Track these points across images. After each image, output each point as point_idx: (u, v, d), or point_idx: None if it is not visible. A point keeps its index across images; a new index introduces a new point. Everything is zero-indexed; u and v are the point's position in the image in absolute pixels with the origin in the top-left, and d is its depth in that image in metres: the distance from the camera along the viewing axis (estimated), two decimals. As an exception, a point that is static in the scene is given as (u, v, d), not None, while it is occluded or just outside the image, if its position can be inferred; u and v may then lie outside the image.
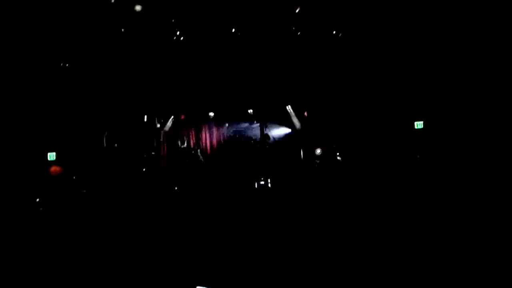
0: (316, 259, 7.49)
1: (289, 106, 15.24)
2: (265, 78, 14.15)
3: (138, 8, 12.02)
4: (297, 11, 12.61)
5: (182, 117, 15.69)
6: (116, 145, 13.59)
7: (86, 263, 7.89)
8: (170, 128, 15.60)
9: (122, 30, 12.50)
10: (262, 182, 13.59)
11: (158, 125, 15.29)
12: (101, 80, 13.33)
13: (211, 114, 15.62)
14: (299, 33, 13.22)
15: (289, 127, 16.12)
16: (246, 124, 16.59)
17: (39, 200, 11.29)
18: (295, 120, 15.35)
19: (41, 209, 10.99)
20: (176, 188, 13.73)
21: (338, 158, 14.15)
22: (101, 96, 13.38)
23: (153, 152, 14.69)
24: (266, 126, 15.49)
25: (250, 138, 15.91)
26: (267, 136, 15.24)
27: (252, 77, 14.14)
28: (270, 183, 13.73)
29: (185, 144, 16.00)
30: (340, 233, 8.51)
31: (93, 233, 9.48)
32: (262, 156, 15.10)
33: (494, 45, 10.99)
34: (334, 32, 13.15)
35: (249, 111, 15.35)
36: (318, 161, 14.28)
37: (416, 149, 12.32)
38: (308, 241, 8.35)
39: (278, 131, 16.34)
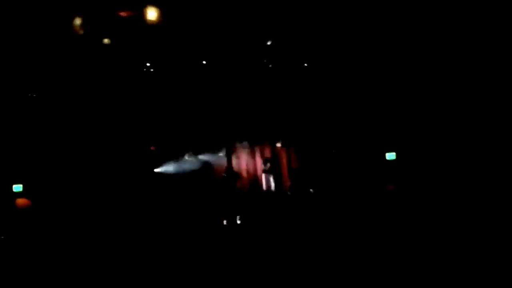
0: None
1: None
2: (235, 110, 14.12)
3: (106, 41, 11.96)
4: (268, 43, 12.72)
5: (152, 148, 15.47)
6: (83, 177, 13.26)
7: None
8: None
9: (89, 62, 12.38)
10: (230, 221, 13.40)
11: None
12: (67, 111, 13.09)
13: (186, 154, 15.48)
14: (270, 65, 13.30)
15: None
16: (214, 156, 16.42)
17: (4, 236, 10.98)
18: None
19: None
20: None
21: (310, 190, 14.10)
22: (67, 127, 13.13)
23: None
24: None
25: (218, 170, 15.67)
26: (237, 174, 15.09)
27: (221, 108, 14.09)
28: (240, 219, 13.54)
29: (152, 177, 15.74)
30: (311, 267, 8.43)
31: (61, 267, 9.24)
32: (230, 190, 14.90)
33: (463, 78, 11.24)
34: (305, 64, 13.28)
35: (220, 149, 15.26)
36: (289, 193, 14.21)
37: (388, 180, 12.37)
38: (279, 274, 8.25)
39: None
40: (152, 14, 11.76)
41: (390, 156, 12.49)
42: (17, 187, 12.04)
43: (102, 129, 13.54)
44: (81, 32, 11.57)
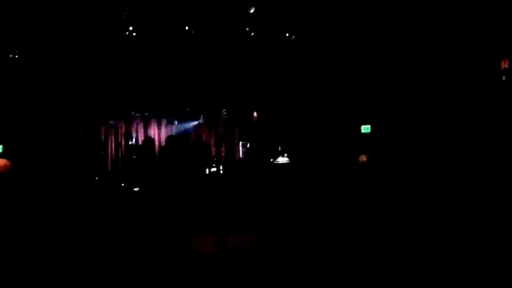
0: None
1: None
2: (216, 78, 14.22)
3: None
4: (251, 11, 12.75)
5: (132, 112, 15.56)
6: (64, 139, 13.32)
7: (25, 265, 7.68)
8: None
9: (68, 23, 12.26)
10: (214, 169, 13.68)
11: (112, 122, 15.14)
12: (48, 72, 13.05)
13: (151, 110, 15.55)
14: (252, 34, 13.37)
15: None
16: (195, 123, 16.58)
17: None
18: None
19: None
20: (122, 184, 13.56)
21: (286, 159, 14.36)
22: (48, 88, 13.10)
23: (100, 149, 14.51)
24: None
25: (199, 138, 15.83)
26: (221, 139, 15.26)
27: (202, 76, 14.18)
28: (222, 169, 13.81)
29: (133, 141, 15.85)
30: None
31: (38, 232, 9.23)
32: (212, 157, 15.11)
33: (437, 49, 11.42)
34: (287, 34, 13.39)
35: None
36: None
37: (362, 153, 12.62)
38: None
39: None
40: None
41: (365, 129, 12.81)
42: (-2, 148, 12.17)
43: (82, 90, 13.57)
44: None
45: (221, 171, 14.05)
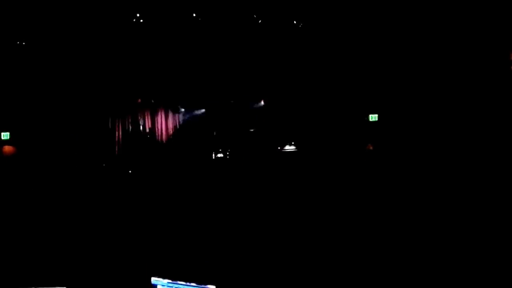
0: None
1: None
2: (224, 66, 14.15)
3: None
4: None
5: (139, 100, 15.51)
6: (70, 127, 13.33)
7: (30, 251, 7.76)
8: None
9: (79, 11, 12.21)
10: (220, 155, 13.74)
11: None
12: (57, 60, 13.04)
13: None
14: (260, 21, 13.27)
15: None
16: (202, 111, 16.51)
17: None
18: None
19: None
20: (130, 171, 13.65)
21: (293, 147, 14.35)
22: (56, 77, 13.10)
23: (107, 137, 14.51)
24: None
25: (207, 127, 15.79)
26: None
27: (210, 64, 14.11)
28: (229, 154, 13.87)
29: (140, 128, 15.86)
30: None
31: (43, 218, 9.32)
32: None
33: (443, 39, 11.33)
34: (294, 22, 13.26)
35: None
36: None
37: (370, 141, 12.61)
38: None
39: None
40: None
41: (373, 117, 12.75)
42: (5, 135, 12.21)
43: (89, 78, 13.54)
44: None
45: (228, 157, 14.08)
